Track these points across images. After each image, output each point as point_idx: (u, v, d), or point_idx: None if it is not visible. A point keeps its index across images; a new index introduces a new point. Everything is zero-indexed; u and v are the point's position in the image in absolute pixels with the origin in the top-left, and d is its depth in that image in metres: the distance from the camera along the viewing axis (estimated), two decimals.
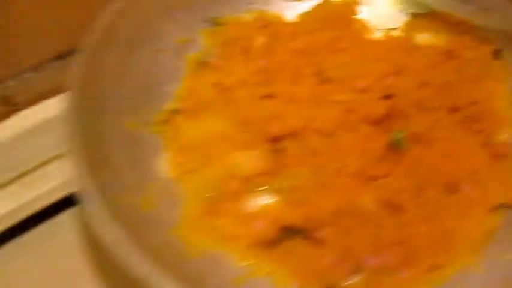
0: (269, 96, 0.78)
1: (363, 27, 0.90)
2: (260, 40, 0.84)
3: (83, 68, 0.70)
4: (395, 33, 0.89)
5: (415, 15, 0.89)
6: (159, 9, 0.83)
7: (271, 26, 0.88)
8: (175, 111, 0.79)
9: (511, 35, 0.81)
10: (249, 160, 0.71)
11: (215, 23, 0.87)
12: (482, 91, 0.80)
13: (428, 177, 0.71)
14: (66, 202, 0.79)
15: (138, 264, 0.55)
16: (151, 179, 0.72)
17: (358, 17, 0.91)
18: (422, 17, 0.88)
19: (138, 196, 0.69)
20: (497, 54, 0.83)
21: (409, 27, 0.89)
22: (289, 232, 0.67)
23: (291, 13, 0.91)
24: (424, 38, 0.87)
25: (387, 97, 0.78)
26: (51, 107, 0.76)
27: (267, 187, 0.70)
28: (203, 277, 0.64)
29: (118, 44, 0.77)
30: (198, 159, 0.73)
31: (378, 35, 0.89)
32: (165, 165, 0.74)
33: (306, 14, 0.90)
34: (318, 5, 0.91)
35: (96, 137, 0.69)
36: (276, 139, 0.74)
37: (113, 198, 0.63)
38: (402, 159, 0.72)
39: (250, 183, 0.70)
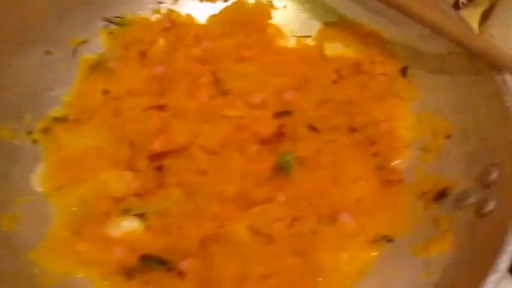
0: (158, 107, 0.73)
1: (275, 32, 0.85)
2: (161, 44, 0.79)
3: None
4: (307, 41, 0.84)
5: (326, 24, 0.84)
6: (52, 6, 0.77)
7: (175, 28, 0.82)
8: (58, 120, 0.74)
9: (418, 52, 0.76)
10: (120, 180, 0.67)
11: (116, 23, 0.82)
12: (384, 111, 0.76)
13: (309, 206, 0.67)
14: None
15: None
16: (21, 193, 0.69)
17: (271, 21, 0.86)
18: (334, 25, 0.83)
19: (1, 213, 0.65)
20: (404, 71, 0.78)
21: (321, 36, 0.83)
22: (152, 261, 0.63)
23: (202, 14, 0.86)
24: (333, 48, 0.82)
25: (282, 114, 0.73)
26: None
27: (134, 211, 0.66)
28: None
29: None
30: (71, 175, 0.69)
31: (289, 42, 0.84)
32: (38, 178, 0.70)
33: (215, 16, 0.85)
34: (229, 7, 0.86)
35: None
36: (158, 156, 0.70)
37: None
38: (287, 183, 0.69)
39: (118, 205, 0.67)
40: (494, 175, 0.61)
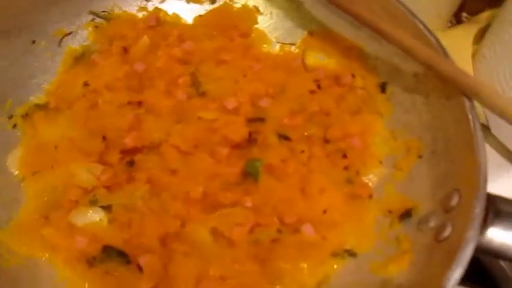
0: (134, 103, 0.75)
1: (260, 38, 0.86)
2: (144, 41, 0.81)
3: None
4: (291, 49, 0.85)
5: (311, 33, 0.85)
6: None
7: (160, 27, 0.84)
8: (39, 107, 0.76)
9: (397, 69, 0.77)
10: (90, 172, 0.69)
11: (102, 17, 0.83)
12: (359, 125, 0.77)
13: (273, 214, 0.68)
14: None
15: None
16: None
17: (257, 27, 0.87)
18: (318, 35, 0.84)
19: None
20: (383, 87, 0.79)
21: (304, 45, 0.85)
22: (113, 253, 0.65)
23: (188, 14, 0.88)
24: (315, 57, 0.84)
25: (255, 120, 0.75)
26: None
27: (100, 202, 0.68)
28: (15, 284, 0.64)
29: None
30: (45, 162, 0.71)
31: (273, 48, 0.86)
32: (14, 162, 0.73)
33: (202, 17, 0.87)
34: (216, 9, 0.87)
35: None
36: (130, 151, 0.72)
37: None
38: (254, 190, 0.70)
39: (86, 196, 0.68)
40: (454, 200, 0.62)
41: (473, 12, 1.01)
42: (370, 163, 0.75)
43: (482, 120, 0.84)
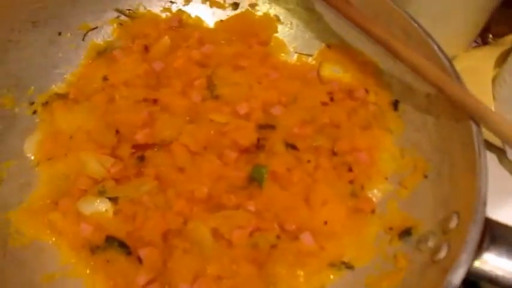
0: (150, 101, 0.77)
1: (279, 46, 0.88)
2: (165, 41, 0.84)
3: None
4: (307, 60, 0.87)
5: (329, 46, 0.87)
6: None
7: (182, 28, 0.87)
8: (59, 96, 0.80)
9: (410, 88, 0.78)
10: (102, 163, 0.71)
11: (127, 15, 0.86)
12: (369, 140, 0.78)
13: (273, 220, 0.70)
14: None
15: None
16: (12, 157, 0.75)
17: (277, 35, 0.89)
18: (336, 48, 0.86)
19: None
20: (395, 104, 0.80)
21: (321, 57, 0.87)
22: (115, 243, 0.67)
23: (210, 18, 0.91)
24: (331, 70, 0.85)
25: (265, 127, 0.77)
26: None
27: (108, 194, 0.71)
28: (20, 264, 0.67)
29: (11, 18, 0.78)
30: (60, 150, 0.74)
31: (291, 58, 0.88)
32: (31, 147, 0.76)
33: (223, 22, 0.89)
34: (237, 15, 0.90)
35: None
36: (141, 147, 0.74)
37: None
38: (258, 195, 0.72)
39: (95, 186, 0.71)
40: (453, 223, 0.63)
41: (499, 35, 1.01)
42: (375, 178, 0.76)
43: (499, 144, 0.84)
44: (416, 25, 0.74)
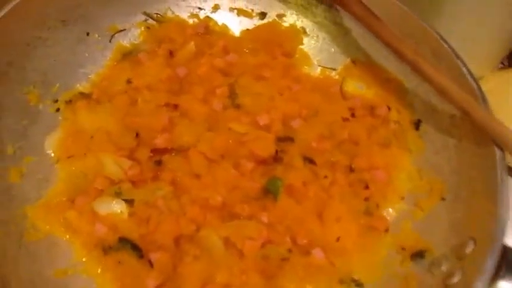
0: (171, 106, 0.78)
1: (303, 59, 0.89)
2: (190, 47, 0.85)
3: None
4: (331, 74, 0.88)
5: (353, 61, 0.87)
6: None
7: (208, 35, 0.88)
8: (83, 95, 0.81)
9: (433, 109, 0.78)
10: (119, 165, 0.73)
11: (155, 19, 0.88)
12: (387, 158, 0.78)
13: (286, 233, 0.71)
14: None
15: None
16: (33, 153, 0.76)
17: (302, 47, 0.90)
18: (361, 64, 0.86)
19: (10, 166, 0.73)
20: (417, 124, 0.80)
21: (345, 72, 0.87)
22: (128, 245, 0.68)
23: (237, 27, 0.91)
24: (354, 85, 0.85)
25: (284, 139, 0.77)
26: None
27: (124, 195, 0.72)
28: (33, 258, 0.68)
29: (42, 16, 0.80)
30: (80, 148, 0.76)
31: (314, 71, 0.88)
32: (52, 144, 0.77)
33: (249, 31, 0.90)
34: (264, 25, 0.90)
35: None
36: (159, 151, 0.75)
37: None
38: (272, 207, 0.72)
39: (112, 187, 0.72)
40: (469, 249, 0.63)
41: None
42: (391, 198, 0.76)
43: None
44: (446, 45, 0.74)
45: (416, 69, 0.72)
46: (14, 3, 0.74)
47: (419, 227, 0.73)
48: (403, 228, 0.74)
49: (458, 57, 0.74)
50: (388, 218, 0.75)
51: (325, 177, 0.74)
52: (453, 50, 0.74)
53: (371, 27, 0.77)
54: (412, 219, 0.74)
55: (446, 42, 0.75)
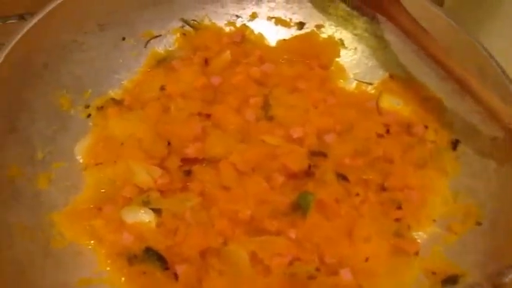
0: (204, 115, 0.78)
1: (338, 72, 0.88)
2: (225, 56, 0.85)
3: (28, 32, 0.74)
4: (368, 89, 0.86)
5: (392, 76, 0.85)
6: None
7: (244, 44, 0.87)
8: (115, 101, 0.81)
9: (474, 130, 0.76)
10: (149, 174, 0.73)
11: (191, 25, 0.88)
12: (421, 179, 0.77)
13: (314, 250, 0.70)
14: None
15: None
16: (62, 159, 0.76)
17: (338, 60, 0.89)
18: (399, 80, 0.85)
19: (39, 171, 0.73)
20: (455, 144, 0.78)
21: (382, 87, 0.85)
22: (153, 256, 0.68)
23: (273, 36, 0.91)
24: (390, 101, 0.84)
25: (317, 154, 0.76)
26: None
27: (152, 205, 0.72)
28: (59, 266, 0.68)
29: (80, 19, 0.80)
30: (109, 156, 0.76)
31: (349, 85, 0.87)
32: (81, 150, 0.78)
33: (286, 41, 0.89)
34: (301, 36, 0.90)
35: (18, 101, 0.73)
36: (190, 161, 0.75)
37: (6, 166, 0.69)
38: (301, 223, 0.71)
39: (140, 195, 0.72)
40: (507, 278, 0.61)
41: None
42: (423, 220, 0.75)
43: None
44: (493, 63, 0.73)
45: (463, 86, 0.70)
46: (52, 6, 0.75)
47: (451, 252, 0.72)
48: (434, 252, 0.72)
49: (505, 74, 0.72)
50: (419, 240, 0.74)
51: (357, 194, 0.73)
52: (501, 68, 0.73)
53: (417, 41, 0.75)
54: (444, 244, 0.73)
55: (493, 59, 0.74)
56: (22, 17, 0.90)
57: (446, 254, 0.71)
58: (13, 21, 0.91)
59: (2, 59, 0.70)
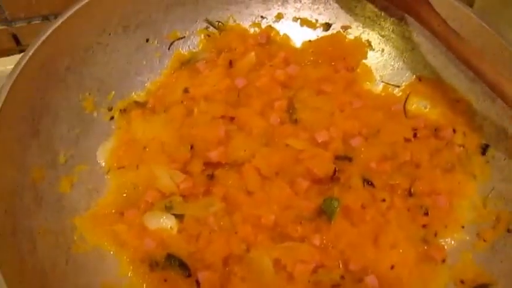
0: (228, 118, 0.78)
1: (365, 74, 0.86)
2: (250, 58, 0.84)
3: (52, 34, 0.73)
4: (395, 91, 0.85)
5: (420, 78, 0.83)
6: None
7: (269, 45, 0.86)
8: (138, 104, 0.81)
9: (505, 134, 0.74)
10: (172, 178, 0.72)
11: (216, 27, 0.87)
12: (449, 183, 0.75)
13: (339, 257, 0.69)
14: None
15: None
16: (85, 162, 0.76)
17: (365, 62, 0.87)
18: (427, 82, 0.83)
19: (61, 175, 0.73)
20: (484, 149, 0.76)
21: (410, 89, 0.84)
22: (176, 262, 0.68)
23: (299, 37, 0.89)
24: (418, 104, 0.82)
25: (343, 158, 0.75)
26: None
27: (175, 210, 0.71)
28: (80, 271, 0.69)
29: (104, 21, 0.80)
30: (132, 159, 0.76)
31: (376, 87, 0.85)
32: (104, 153, 0.78)
33: (311, 42, 0.88)
34: (327, 37, 0.88)
35: (41, 105, 0.72)
36: (213, 165, 0.75)
37: (29, 170, 0.69)
38: (325, 229, 0.71)
39: (162, 200, 0.72)
40: None
41: None
42: (451, 226, 0.73)
43: None
44: None
45: (495, 90, 0.68)
46: (76, 7, 0.75)
47: (481, 259, 0.70)
48: (463, 259, 0.71)
49: None
50: (446, 247, 0.72)
51: (383, 200, 0.72)
52: None
53: (447, 42, 0.73)
54: (473, 251, 0.71)
55: None
56: (46, 18, 0.90)
57: (475, 261, 0.70)
58: (37, 22, 0.91)
59: (25, 61, 0.69)
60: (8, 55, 0.92)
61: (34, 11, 0.90)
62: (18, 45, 0.95)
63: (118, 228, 0.70)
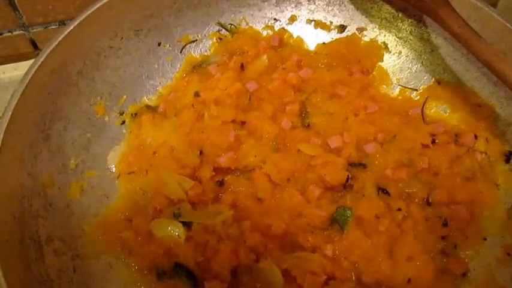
0: (238, 123, 0.72)
1: (381, 77, 0.79)
2: (262, 61, 0.78)
3: (64, 39, 0.69)
4: (412, 95, 0.77)
5: (439, 82, 0.76)
6: (174, 2, 0.79)
7: (281, 48, 0.80)
8: (149, 108, 0.76)
9: None
10: (180, 184, 0.67)
11: (228, 29, 0.81)
12: (470, 193, 0.67)
13: (351, 269, 0.63)
14: None
15: None
16: (95, 167, 0.72)
17: (381, 64, 0.80)
18: (446, 86, 0.75)
19: (71, 180, 0.69)
20: (508, 156, 0.69)
21: (428, 93, 0.76)
22: (183, 272, 0.63)
23: (312, 40, 0.83)
24: (437, 109, 0.75)
25: (357, 165, 0.69)
26: None
27: (183, 217, 0.66)
28: (88, 279, 0.64)
29: (116, 25, 0.75)
30: (142, 165, 0.71)
31: (392, 91, 0.78)
32: (114, 158, 0.73)
33: (325, 45, 0.81)
34: (341, 39, 0.81)
35: (52, 110, 0.69)
36: (222, 170, 0.69)
37: (39, 176, 0.65)
38: (338, 239, 0.64)
39: (171, 207, 0.66)
40: None
41: None
42: (472, 238, 0.66)
43: None
44: None
45: None
46: (89, 12, 0.70)
47: (504, 274, 0.63)
48: (485, 274, 0.64)
49: None
50: (467, 260, 0.65)
51: (399, 209, 0.65)
52: None
53: (468, 44, 0.66)
54: (496, 265, 0.64)
55: None
56: (63, 23, 0.86)
57: (498, 276, 0.63)
58: (54, 27, 0.87)
59: (37, 67, 0.66)
60: (26, 60, 0.88)
61: (51, 16, 0.86)
62: (35, 49, 0.90)
63: (126, 235, 0.66)
